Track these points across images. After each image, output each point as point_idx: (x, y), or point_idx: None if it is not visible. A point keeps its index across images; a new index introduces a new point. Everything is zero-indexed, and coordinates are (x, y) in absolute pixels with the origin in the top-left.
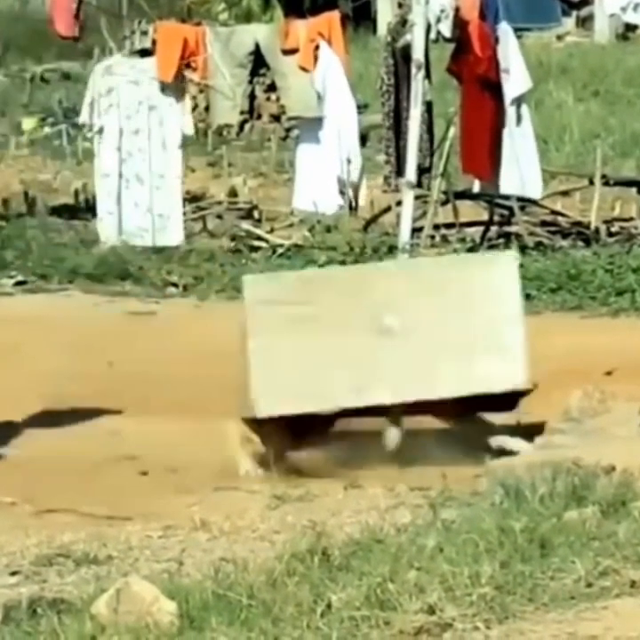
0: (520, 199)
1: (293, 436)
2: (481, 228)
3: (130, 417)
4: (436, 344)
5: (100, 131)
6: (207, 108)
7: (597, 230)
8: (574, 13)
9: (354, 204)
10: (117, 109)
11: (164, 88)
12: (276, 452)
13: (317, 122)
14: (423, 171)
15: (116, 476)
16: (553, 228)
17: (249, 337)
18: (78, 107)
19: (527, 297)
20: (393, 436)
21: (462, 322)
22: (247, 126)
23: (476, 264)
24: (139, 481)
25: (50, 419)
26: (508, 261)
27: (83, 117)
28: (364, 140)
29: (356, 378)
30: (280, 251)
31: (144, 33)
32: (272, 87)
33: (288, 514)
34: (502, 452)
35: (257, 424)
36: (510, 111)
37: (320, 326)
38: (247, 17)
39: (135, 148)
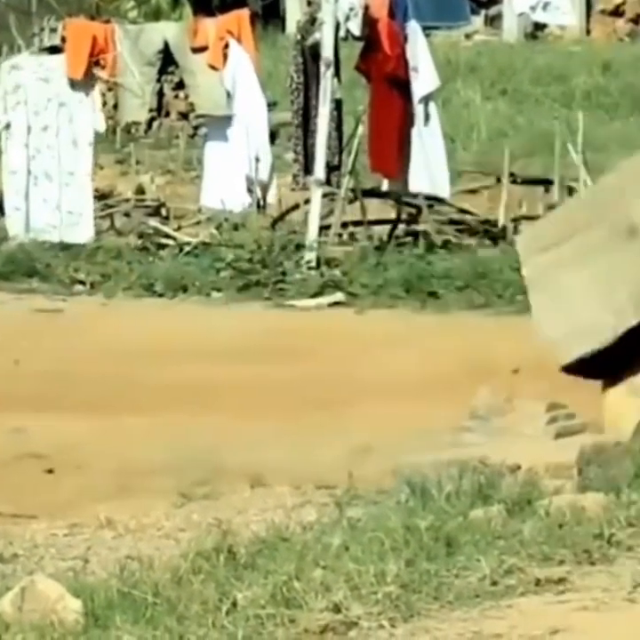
0: (428, 197)
1: None
2: (388, 226)
3: (36, 415)
4: None
5: (8, 127)
6: (116, 106)
7: (505, 228)
8: (483, 12)
9: (262, 202)
10: (25, 106)
11: (74, 85)
12: None
13: (226, 120)
14: (332, 168)
15: (22, 475)
16: (461, 227)
17: (529, 292)
18: None
19: (434, 295)
20: None
21: None
22: (155, 124)
23: None
24: (44, 479)
25: None
26: None
27: None
28: (273, 137)
29: (630, 293)
30: (187, 248)
31: (53, 30)
32: (180, 85)
33: (193, 512)
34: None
35: None
36: (419, 109)
37: (587, 255)
38: (156, 15)
39: (44, 145)
